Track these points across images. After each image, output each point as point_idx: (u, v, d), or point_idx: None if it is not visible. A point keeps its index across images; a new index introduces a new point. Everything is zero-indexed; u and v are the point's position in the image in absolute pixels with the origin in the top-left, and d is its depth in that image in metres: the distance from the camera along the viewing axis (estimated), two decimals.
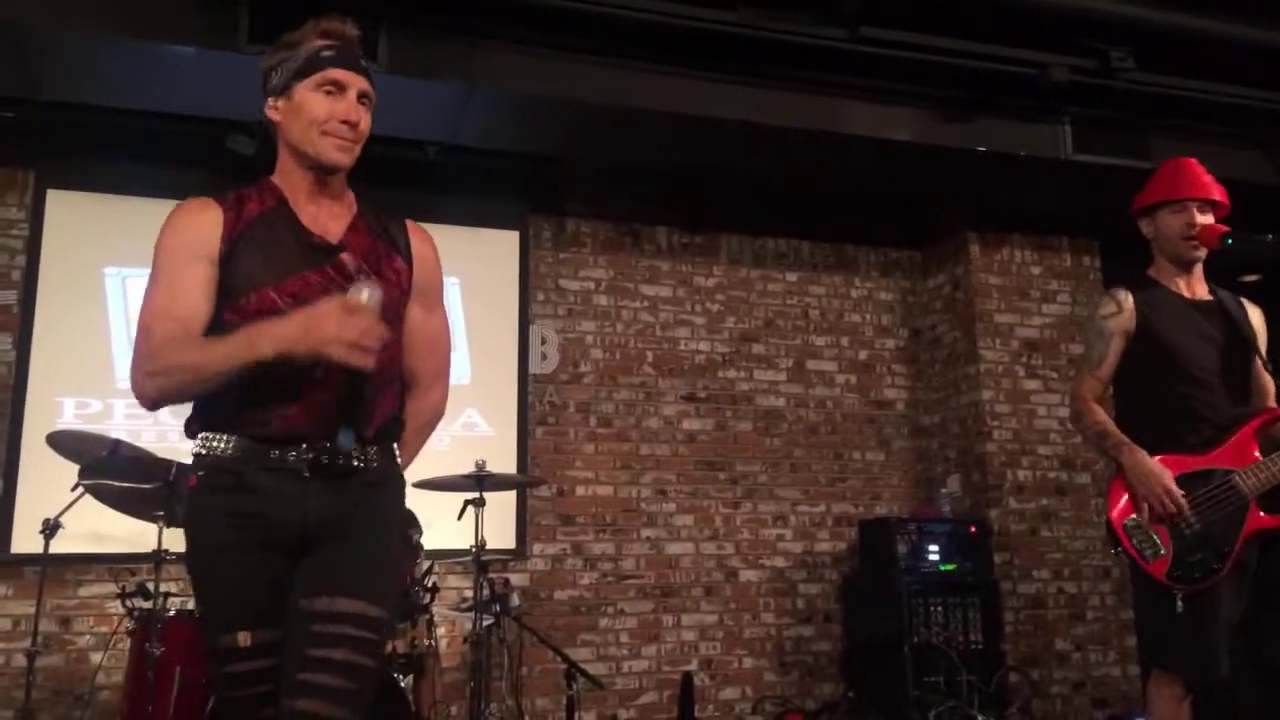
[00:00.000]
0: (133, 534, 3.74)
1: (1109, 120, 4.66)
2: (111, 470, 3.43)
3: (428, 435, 2.09)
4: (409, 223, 2.01)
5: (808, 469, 5.68)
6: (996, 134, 4.63)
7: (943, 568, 5.05)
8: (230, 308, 1.80)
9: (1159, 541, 2.60)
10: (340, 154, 1.86)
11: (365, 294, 1.71)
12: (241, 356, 1.71)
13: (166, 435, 4.42)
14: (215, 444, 1.81)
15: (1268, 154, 4.93)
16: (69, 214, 4.69)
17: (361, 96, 1.87)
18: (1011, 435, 5.55)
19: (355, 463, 1.83)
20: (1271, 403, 2.77)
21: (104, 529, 3.96)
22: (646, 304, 5.57)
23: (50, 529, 3.63)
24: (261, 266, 1.81)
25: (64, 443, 3.55)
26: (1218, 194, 2.84)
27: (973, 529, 5.21)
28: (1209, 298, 2.84)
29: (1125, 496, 2.68)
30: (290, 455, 1.79)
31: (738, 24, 4.02)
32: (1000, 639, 5.06)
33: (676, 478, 5.43)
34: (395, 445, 1.96)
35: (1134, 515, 2.64)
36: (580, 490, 5.26)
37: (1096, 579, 5.49)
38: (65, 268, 4.64)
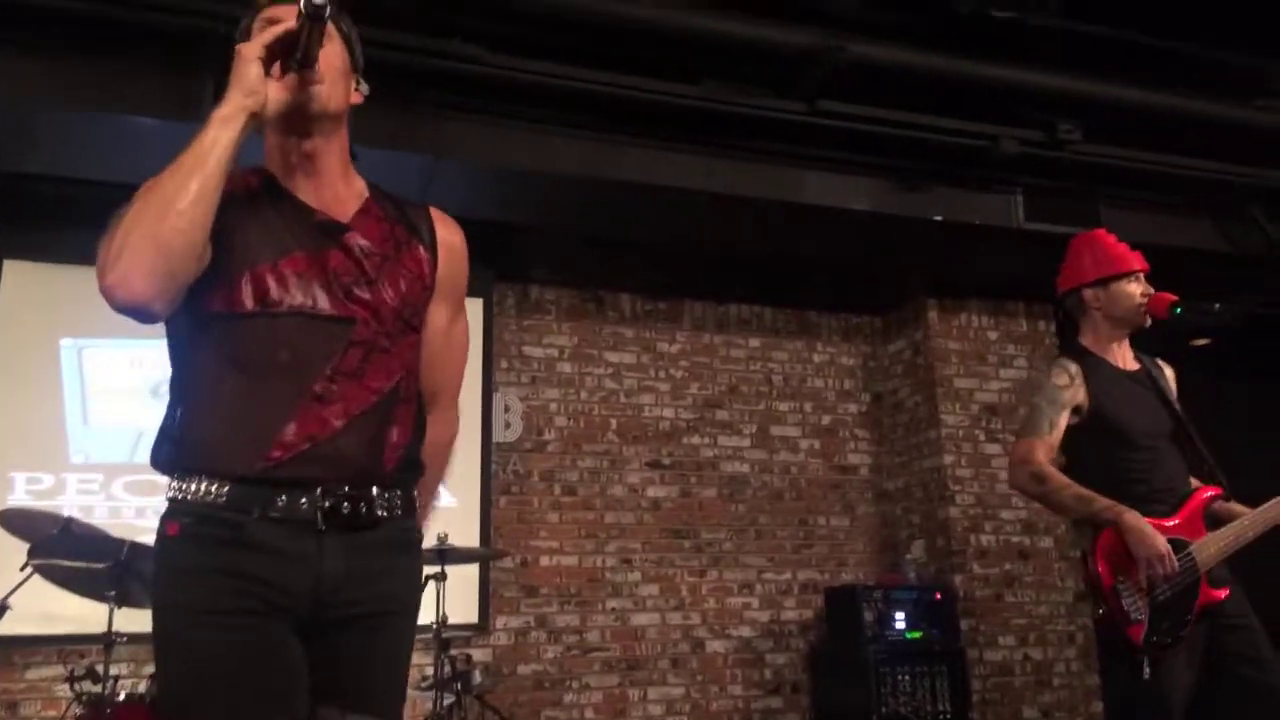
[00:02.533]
0: (82, 614, 3.63)
1: (1059, 190, 4.78)
2: (62, 549, 3.33)
3: (447, 467, 1.79)
4: (434, 210, 1.72)
5: (773, 535, 5.66)
6: (951, 203, 4.74)
7: (909, 636, 5.02)
8: (215, 296, 1.47)
9: (1140, 605, 2.61)
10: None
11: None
12: (208, 137, 1.41)
13: (120, 511, 4.32)
14: (201, 487, 1.44)
15: (1215, 222, 5.09)
16: (25, 284, 4.62)
17: None
18: (974, 500, 5.58)
19: (381, 511, 1.50)
20: (1199, 475, 2.83)
21: (53, 609, 3.83)
22: (610, 371, 5.58)
23: None
24: (256, 243, 1.50)
25: (13, 521, 3.45)
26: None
27: (938, 596, 5.20)
28: (1138, 366, 2.92)
29: (1111, 554, 2.65)
30: (301, 501, 1.44)
31: (700, 98, 4.10)
32: (968, 707, 5.02)
33: (641, 546, 5.38)
34: (415, 495, 1.62)
35: (1121, 578, 2.64)
36: (544, 560, 5.20)
37: (1062, 645, 5.49)
38: (20, 339, 4.57)
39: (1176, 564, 2.58)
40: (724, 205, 4.50)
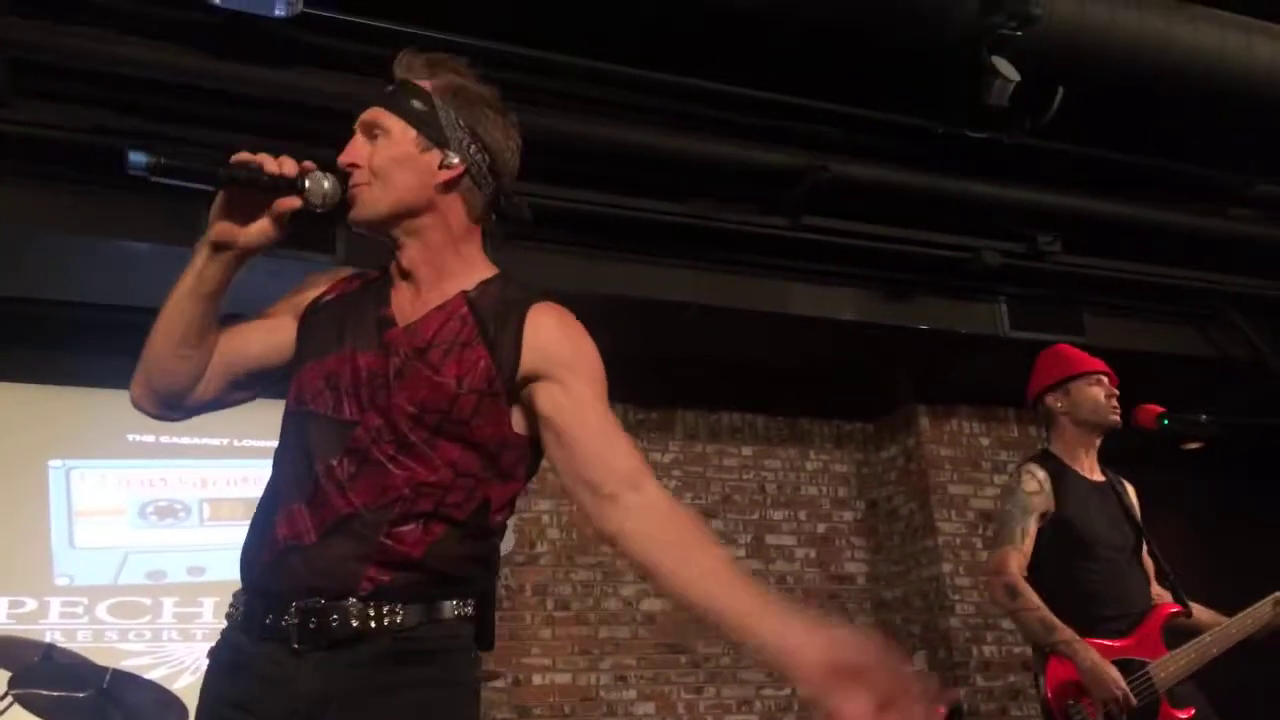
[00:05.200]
0: None
1: (1042, 299, 4.85)
2: (43, 678, 3.26)
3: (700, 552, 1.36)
4: (541, 304, 1.48)
5: None
6: (936, 313, 4.80)
7: None
8: (291, 390, 1.50)
9: None
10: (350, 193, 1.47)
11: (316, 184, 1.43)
12: (182, 272, 1.47)
13: (104, 635, 4.24)
14: (234, 606, 1.41)
15: (1199, 328, 5.14)
16: (13, 406, 4.61)
17: (365, 128, 1.50)
18: (974, 609, 5.49)
19: (364, 623, 1.31)
20: (1156, 586, 2.83)
21: None
22: None
23: None
24: (320, 340, 1.48)
25: None
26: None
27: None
28: (1103, 479, 2.93)
29: (1060, 679, 2.65)
30: (282, 618, 1.32)
31: (687, 214, 4.19)
32: None
33: (637, 662, 5.27)
34: (456, 603, 1.41)
35: (1072, 700, 2.63)
36: (537, 679, 5.07)
37: None
38: (6, 461, 4.54)
39: (1134, 700, 2.55)
40: (713, 316, 4.56)
